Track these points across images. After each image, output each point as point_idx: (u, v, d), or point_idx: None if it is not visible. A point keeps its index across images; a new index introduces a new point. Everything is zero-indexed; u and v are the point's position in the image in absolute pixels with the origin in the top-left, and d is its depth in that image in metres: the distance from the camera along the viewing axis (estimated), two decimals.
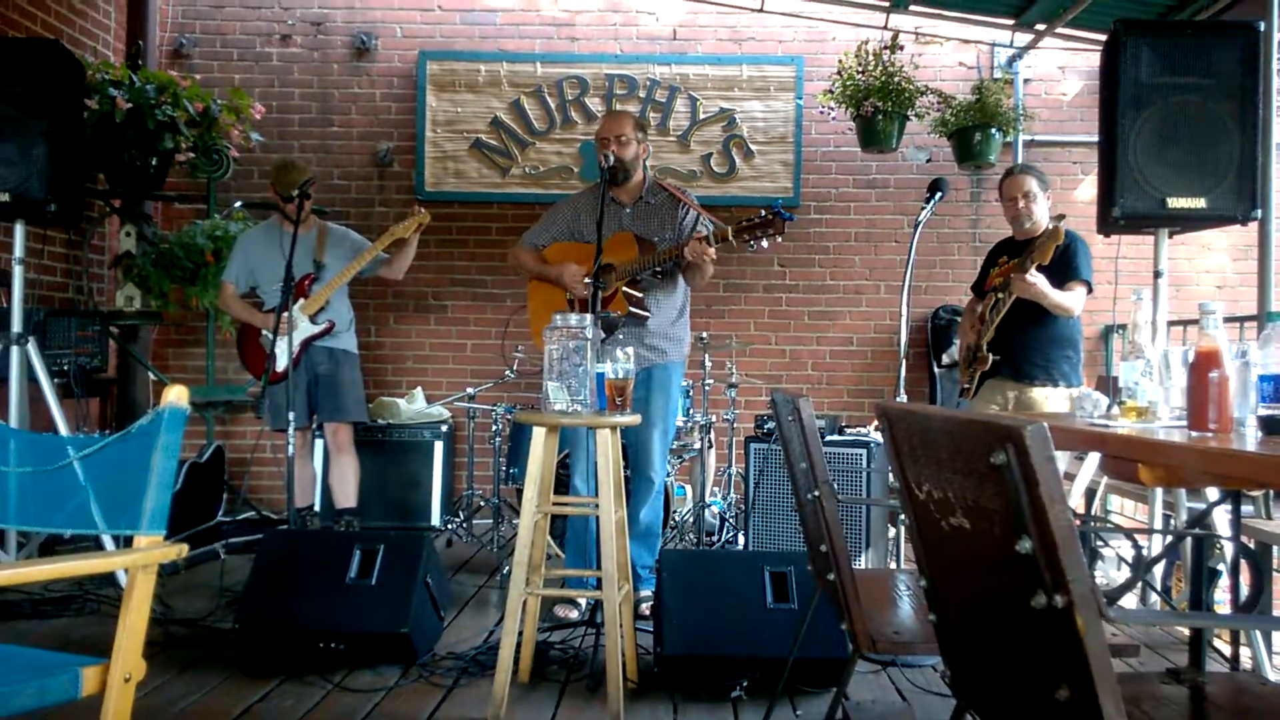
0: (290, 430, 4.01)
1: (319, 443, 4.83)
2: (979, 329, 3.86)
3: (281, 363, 4.17)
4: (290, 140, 6.18)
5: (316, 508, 4.70)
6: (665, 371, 3.86)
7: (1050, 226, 3.52)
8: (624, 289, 3.75)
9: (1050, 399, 3.74)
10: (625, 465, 3.63)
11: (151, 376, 5.76)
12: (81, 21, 5.71)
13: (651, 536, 3.88)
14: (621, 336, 3.70)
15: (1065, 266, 3.65)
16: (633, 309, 3.75)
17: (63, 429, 4.07)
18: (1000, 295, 3.72)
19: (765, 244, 3.50)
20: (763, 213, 3.49)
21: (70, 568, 1.79)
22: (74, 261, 5.64)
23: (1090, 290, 3.74)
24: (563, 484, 3.97)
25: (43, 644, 1.90)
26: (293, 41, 6.22)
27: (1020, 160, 5.88)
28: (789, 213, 3.47)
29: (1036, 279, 3.56)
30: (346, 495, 4.47)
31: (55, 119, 3.88)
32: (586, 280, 3.52)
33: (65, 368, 4.75)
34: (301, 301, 4.30)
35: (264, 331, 4.31)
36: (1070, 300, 3.67)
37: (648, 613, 3.59)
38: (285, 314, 4.05)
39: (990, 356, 3.77)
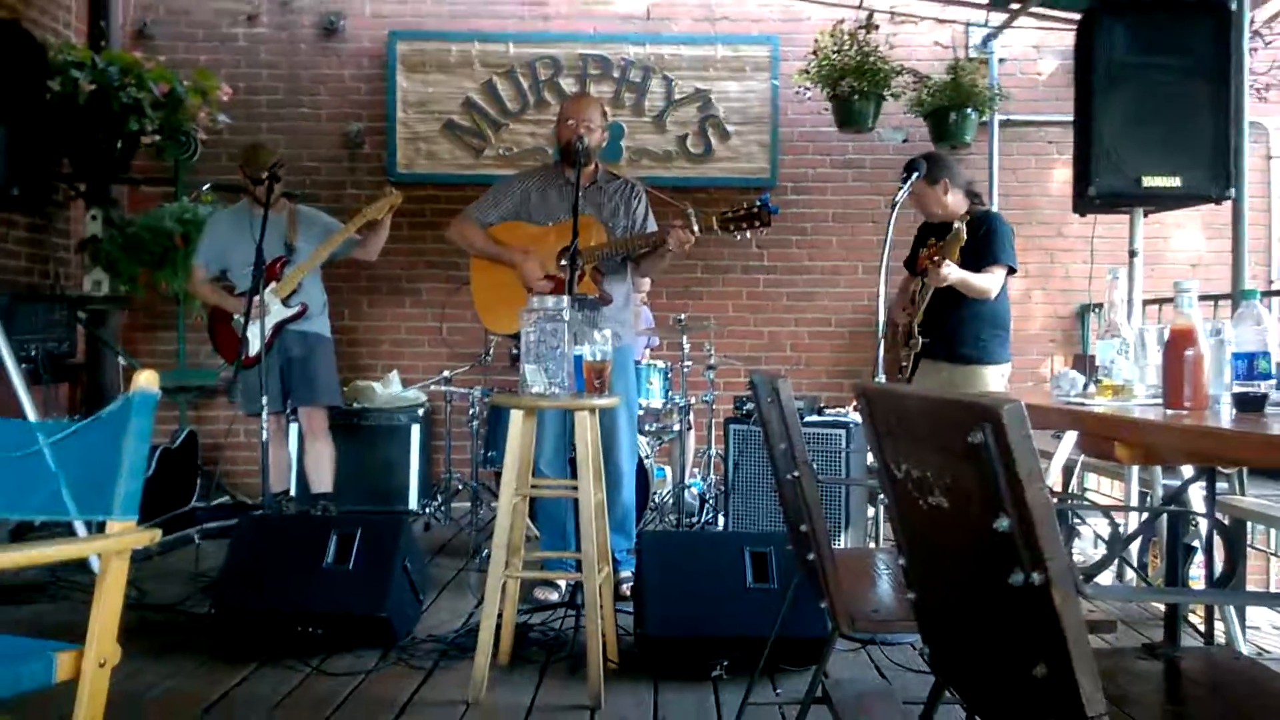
0: (264, 415, 3.96)
1: (294, 427, 4.80)
2: (910, 311, 3.88)
3: (254, 347, 4.12)
4: (259, 122, 6.08)
5: (292, 493, 4.66)
6: (624, 355, 3.84)
7: (956, 226, 3.51)
8: (592, 272, 3.73)
9: (984, 377, 3.78)
10: None
11: (121, 361, 5.67)
12: (41, 1, 5.58)
13: (627, 521, 3.88)
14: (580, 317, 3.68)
15: (983, 250, 3.65)
16: (600, 292, 3.74)
17: (31, 415, 4.01)
18: (925, 280, 3.75)
19: (749, 235, 3.49)
20: (746, 205, 3.47)
21: (42, 554, 1.76)
22: (39, 246, 5.55)
23: (1012, 271, 3.73)
24: None
25: (16, 631, 1.88)
26: (259, 21, 6.11)
27: (995, 140, 5.90)
28: (775, 205, 3.47)
29: (949, 270, 3.57)
30: (322, 480, 4.44)
31: (16, 101, 3.80)
32: (560, 265, 3.50)
33: (33, 353, 4.67)
34: (273, 285, 4.25)
35: (235, 315, 4.26)
36: (987, 282, 3.66)
37: (628, 594, 3.59)
38: (257, 297, 4.00)
39: (921, 339, 3.81)
